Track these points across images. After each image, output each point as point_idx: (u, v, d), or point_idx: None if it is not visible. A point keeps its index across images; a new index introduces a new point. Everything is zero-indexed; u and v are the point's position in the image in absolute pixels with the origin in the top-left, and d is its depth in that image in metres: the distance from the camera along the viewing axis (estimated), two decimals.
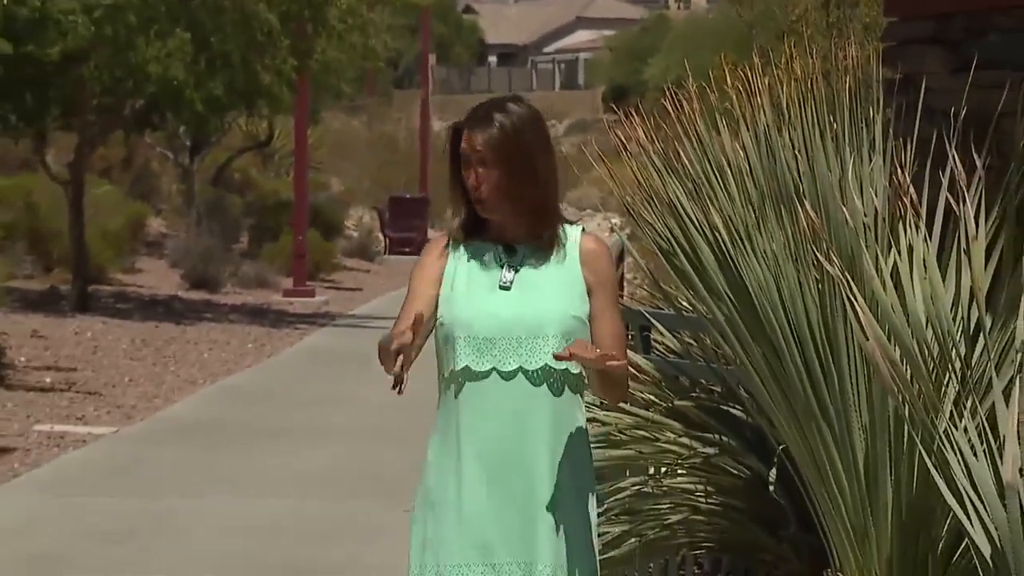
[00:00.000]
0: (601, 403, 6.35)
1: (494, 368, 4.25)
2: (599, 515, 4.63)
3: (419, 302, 4.32)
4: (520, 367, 4.24)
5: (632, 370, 6.37)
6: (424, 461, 4.42)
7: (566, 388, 4.30)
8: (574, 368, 4.26)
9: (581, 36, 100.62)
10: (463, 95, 73.10)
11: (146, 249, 28.48)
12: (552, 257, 4.33)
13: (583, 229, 4.42)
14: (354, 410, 13.69)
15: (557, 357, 4.09)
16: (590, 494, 4.40)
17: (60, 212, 22.46)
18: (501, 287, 4.30)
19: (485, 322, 4.26)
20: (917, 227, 5.26)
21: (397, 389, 4.08)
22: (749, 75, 5.93)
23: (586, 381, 4.34)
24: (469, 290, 4.32)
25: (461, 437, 4.30)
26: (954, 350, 4.97)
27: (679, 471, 6.30)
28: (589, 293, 4.33)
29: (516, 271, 4.32)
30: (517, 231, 4.33)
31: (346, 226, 37.24)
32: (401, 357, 4.06)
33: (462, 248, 4.38)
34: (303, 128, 28.11)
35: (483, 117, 4.31)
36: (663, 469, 6.31)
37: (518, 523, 4.27)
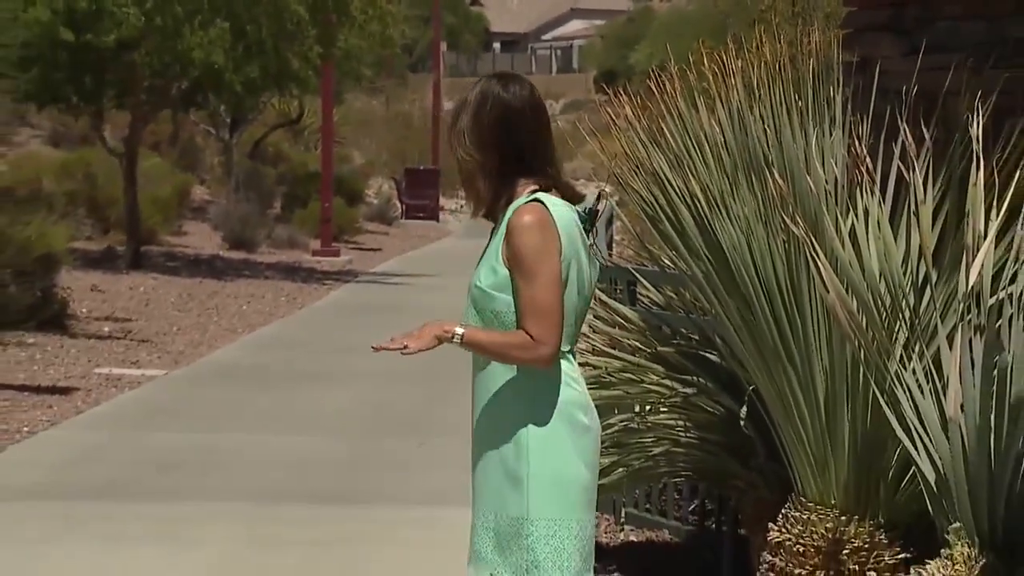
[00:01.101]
0: (592, 349, 6.37)
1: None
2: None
3: None
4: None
5: (620, 320, 6.41)
6: None
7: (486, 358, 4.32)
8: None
9: (575, 25, 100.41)
10: (470, 78, 72.89)
11: (191, 214, 28.44)
12: (498, 228, 4.28)
13: (528, 200, 4.25)
14: (373, 357, 13.66)
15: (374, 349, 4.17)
16: (519, 443, 4.27)
17: (115, 182, 22.44)
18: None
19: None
20: (872, 193, 5.26)
21: None
22: (724, 59, 5.92)
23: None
24: None
25: None
26: (904, 301, 4.98)
27: (661, 409, 6.31)
28: (508, 265, 4.24)
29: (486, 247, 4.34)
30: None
31: (367, 194, 37.18)
32: None
33: None
34: (329, 107, 28.06)
35: (465, 98, 4.35)
36: (647, 407, 6.32)
37: (475, 465, 4.36)
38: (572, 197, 4.30)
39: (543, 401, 4.29)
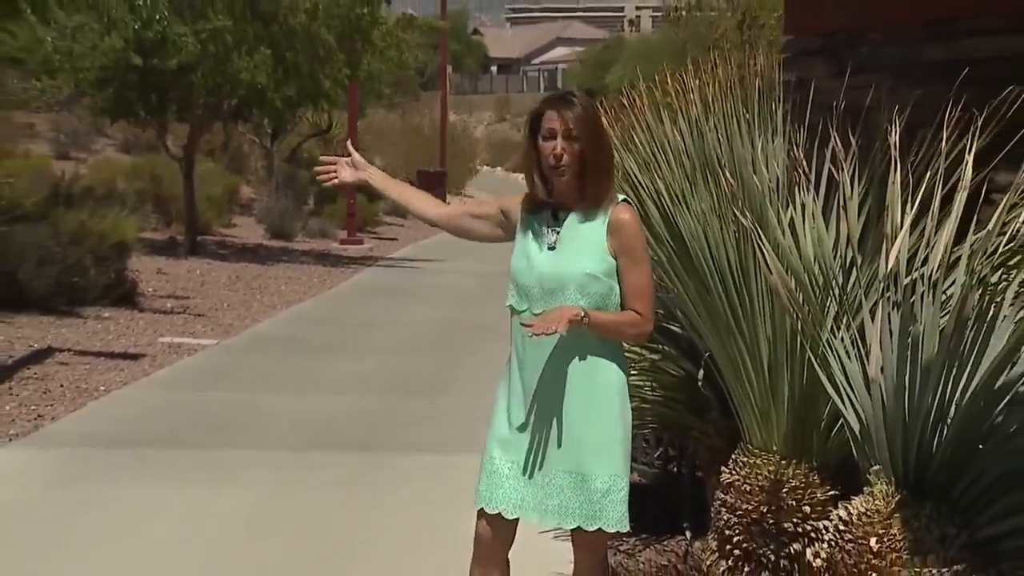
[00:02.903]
0: None
1: (528, 309, 4.23)
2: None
3: (482, 206, 4.55)
4: (545, 311, 4.17)
5: None
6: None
7: (583, 333, 4.21)
8: None
9: (559, 52, 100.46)
10: (472, 95, 72.79)
11: (239, 209, 28.41)
12: (592, 223, 4.25)
13: (622, 199, 4.36)
14: (392, 329, 13.71)
15: (528, 324, 4.07)
16: (614, 409, 4.31)
17: (176, 182, 22.42)
18: (549, 247, 4.26)
19: (525, 274, 4.25)
20: (808, 190, 5.27)
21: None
22: (684, 79, 5.92)
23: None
24: (523, 247, 4.30)
25: (514, 355, 4.34)
26: (834, 281, 4.99)
27: (632, 372, 6.31)
28: (615, 255, 4.24)
29: (558, 234, 4.26)
30: (575, 197, 4.26)
31: None
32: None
33: (526, 211, 4.35)
34: (354, 120, 28.06)
35: (566, 100, 4.25)
36: None
37: (541, 433, 4.25)
38: None
39: (624, 372, 4.37)
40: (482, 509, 4.34)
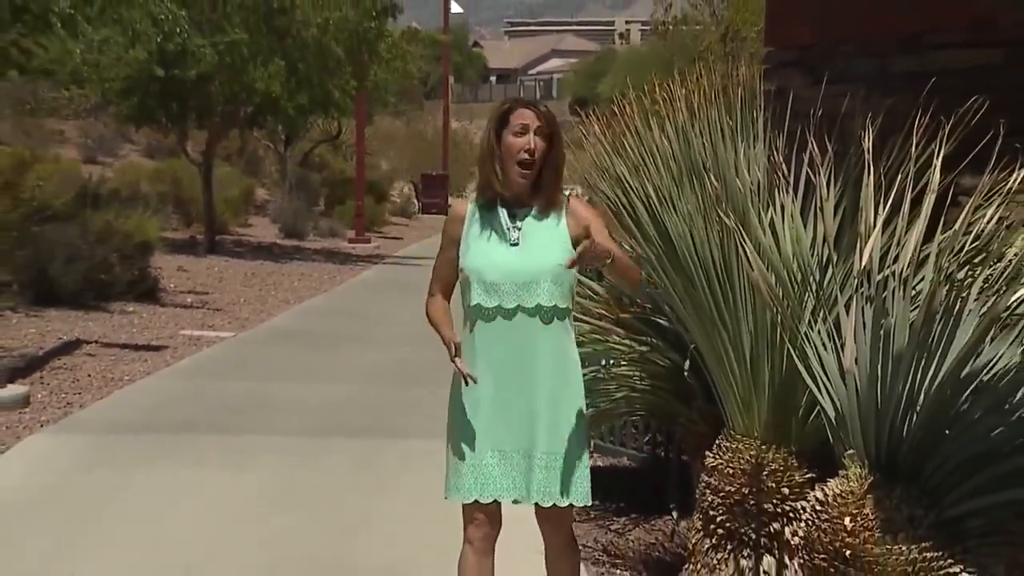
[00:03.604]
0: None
1: (499, 304, 4.16)
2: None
3: (442, 266, 4.34)
4: (519, 305, 4.14)
5: (589, 292, 6.41)
6: (453, 372, 4.30)
7: (554, 318, 4.20)
8: (562, 304, 4.19)
9: (554, 63, 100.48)
10: (472, 103, 72.78)
11: (254, 210, 28.45)
12: (548, 219, 4.21)
13: (568, 194, 4.34)
14: (397, 323, 13.74)
15: (569, 264, 4.03)
16: (579, 394, 4.31)
17: (196, 185, 22.47)
18: (511, 244, 4.19)
19: (493, 270, 4.16)
20: (787, 192, 5.26)
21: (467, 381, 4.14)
22: (671, 88, 5.91)
23: (572, 307, 4.30)
24: (483, 245, 4.20)
25: (477, 353, 4.22)
26: (812, 277, 4.98)
27: (622, 363, 6.31)
28: (578, 238, 4.20)
29: (519, 231, 4.20)
30: (533, 197, 4.22)
31: (391, 194, 37.12)
32: (457, 352, 4.13)
33: (478, 213, 4.25)
34: (361, 127, 28.09)
35: (535, 102, 4.24)
36: (611, 361, 6.32)
37: (519, 420, 4.19)
38: None
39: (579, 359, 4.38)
40: (475, 501, 4.28)
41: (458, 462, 4.27)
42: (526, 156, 4.13)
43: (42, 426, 8.36)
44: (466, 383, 4.13)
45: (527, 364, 4.18)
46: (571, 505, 4.27)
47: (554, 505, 4.23)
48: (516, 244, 4.18)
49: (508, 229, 4.20)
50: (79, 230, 13.78)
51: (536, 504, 4.24)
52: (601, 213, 4.44)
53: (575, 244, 4.20)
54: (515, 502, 4.26)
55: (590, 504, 4.42)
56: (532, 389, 4.18)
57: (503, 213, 4.22)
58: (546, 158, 4.17)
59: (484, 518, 4.32)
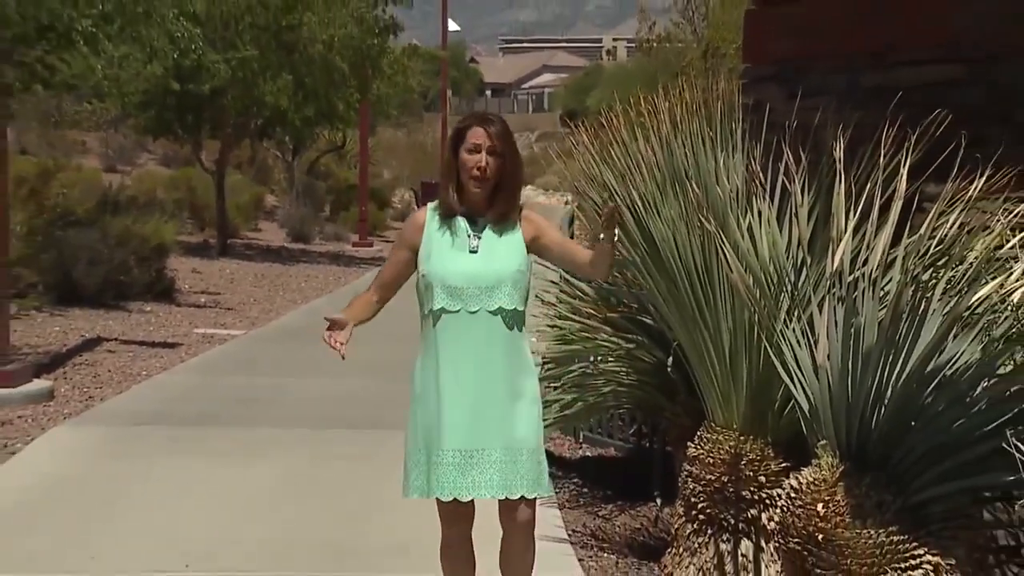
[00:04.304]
0: (558, 314, 6.37)
1: (462, 308, 4.13)
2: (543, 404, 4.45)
3: (388, 270, 4.41)
4: (482, 308, 4.12)
5: (579, 292, 6.41)
6: (412, 373, 4.34)
7: (514, 322, 4.18)
8: (520, 307, 4.17)
9: (546, 78, 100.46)
10: None
11: (264, 216, 28.42)
12: (505, 227, 4.19)
13: (523, 205, 4.32)
14: (397, 321, 13.70)
15: (605, 225, 4.13)
16: (535, 392, 4.25)
17: (209, 192, 22.45)
18: (471, 251, 4.16)
19: (456, 276, 4.13)
20: (764, 199, 5.27)
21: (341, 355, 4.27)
22: (655, 101, 5.92)
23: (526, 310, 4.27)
24: (445, 252, 4.17)
25: (439, 355, 4.19)
26: (787, 279, 4.99)
27: (609, 359, 6.32)
28: (536, 240, 4.22)
29: (479, 239, 4.18)
30: (489, 209, 4.19)
31: (392, 201, 37.11)
32: (337, 335, 4.36)
33: (437, 221, 4.22)
34: (365, 138, 28.09)
35: (488, 119, 4.21)
36: (599, 358, 6.33)
37: (480, 418, 4.13)
38: None
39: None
40: (454, 500, 4.19)
41: (417, 461, 4.21)
42: (477, 173, 4.13)
43: (65, 418, 8.35)
44: (343, 357, 4.27)
45: (487, 364, 4.14)
46: (535, 498, 4.22)
47: (522, 497, 4.17)
48: (475, 251, 4.17)
49: (469, 236, 4.18)
50: (100, 234, 13.78)
51: (502, 499, 4.18)
52: (542, 217, 4.45)
53: (529, 249, 4.21)
54: (479, 496, 4.18)
55: (552, 495, 4.37)
56: (492, 388, 4.14)
57: (464, 222, 4.20)
58: (500, 173, 4.16)
59: (454, 514, 4.26)
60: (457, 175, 4.21)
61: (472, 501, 4.25)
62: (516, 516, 4.25)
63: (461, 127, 4.21)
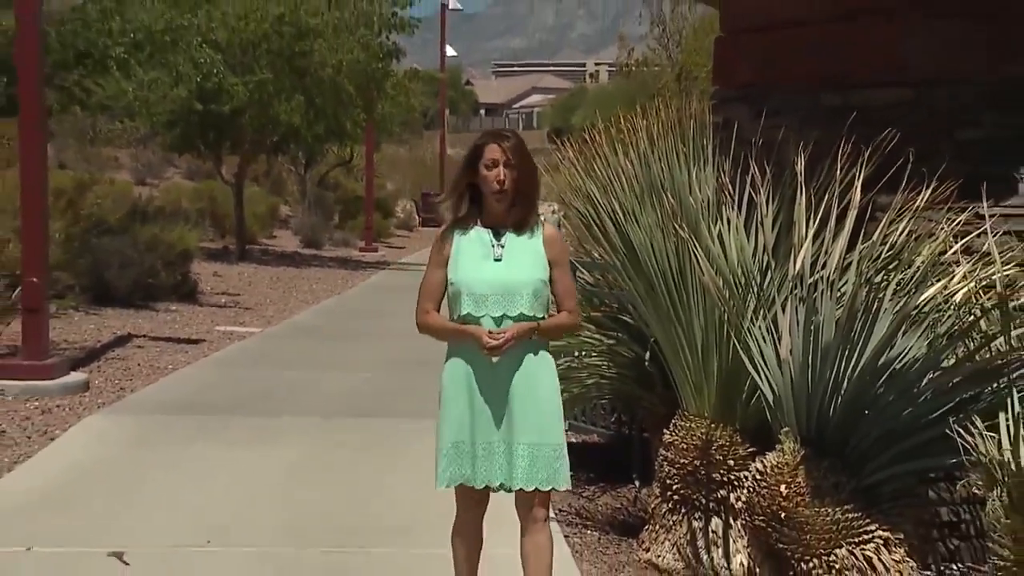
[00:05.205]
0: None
1: (487, 313, 4.06)
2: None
3: (434, 284, 4.19)
4: (504, 313, 4.05)
5: None
6: (440, 375, 4.21)
7: None
8: (540, 314, 4.09)
9: (535, 98, 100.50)
10: (465, 133, 72.75)
11: (279, 224, 28.34)
12: (526, 238, 4.11)
13: (542, 219, 4.24)
14: (401, 319, 13.68)
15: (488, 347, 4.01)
16: (555, 391, 4.16)
17: (229, 202, 22.39)
18: (495, 260, 4.09)
19: (481, 284, 4.06)
20: (733, 208, 5.28)
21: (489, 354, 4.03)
22: (634, 120, 5.93)
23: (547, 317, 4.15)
24: (470, 262, 4.10)
25: (467, 356, 4.11)
26: (753, 280, 5.00)
27: (592, 354, 6.32)
28: (550, 263, 4.12)
29: (502, 248, 4.10)
30: (509, 218, 4.11)
31: (395, 210, 37.05)
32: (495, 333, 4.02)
33: (459, 234, 4.14)
34: (370, 153, 28.06)
35: (503, 135, 4.13)
36: (583, 353, 6.33)
37: (505, 414, 4.08)
38: None
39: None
40: (468, 488, 4.14)
41: (447, 454, 4.13)
42: (497, 186, 4.05)
43: (99, 408, 8.34)
44: (478, 352, 4.04)
45: (512, 364, 4.08)
46: (552, 489, 4.13)
47: (536, 489, 4.10)
48: (499, 260, 4.09)
49: (493, 246, 4.11)
50: (130, 241, 13.77)
51: (519, 490, 4.11)
52: (565, 249, 4.35)
53: (550, 264, 4.12)
54: (500, 488, 4.13)
55: (570, 487, 4.32)
56: (516, 387, 4.08)
57: (487, 233, 4.13)
58: (517, 184, 4.08)
59: (471, 500, 4.20)
60: (477, 190, 4.13)
61: (487, 496, 4.21)
62: (530, 507, 4.17)
63: (478, 144, 4.13)
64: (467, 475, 4.12)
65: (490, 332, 4.02)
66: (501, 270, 4.08)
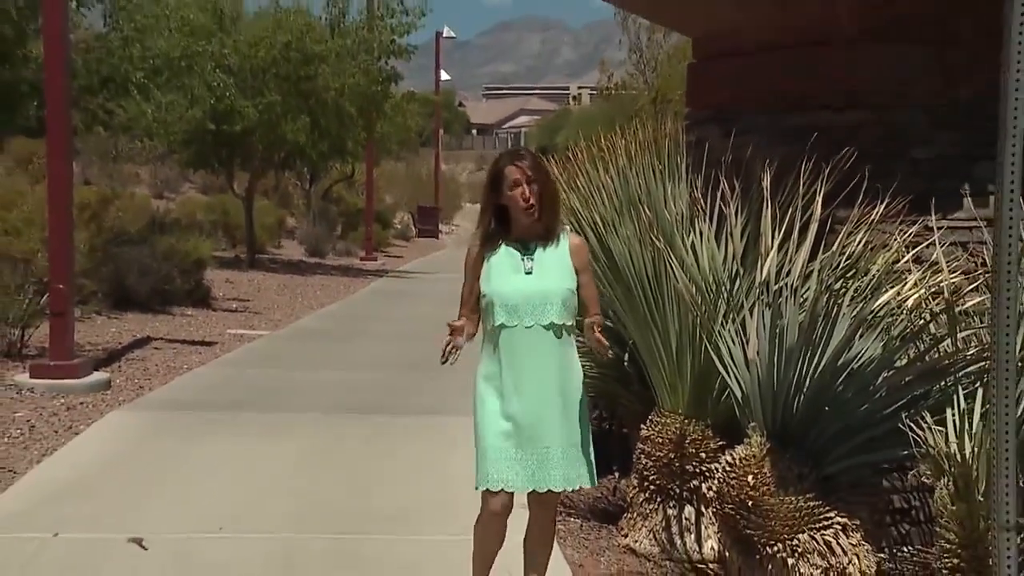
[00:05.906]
0: None
1: (519, 323, 4.01)
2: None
3: (471, 294, 4.12)
4: (536, 322, 4.00)
5: None
6: (476, 380, 4.12)
7: (564, 333, 4.04)
8: (568, 322, 4.05)
9: (522, 119, 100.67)
10: (458, 151, 72.71)
11: (285, 234, 28.25)
12: (553, 248, 4.07)
13: (567, 229, 4.22)
14: (400, 322, 13.70)
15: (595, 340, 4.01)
16: (582, 395, 4.14)
17: (240, 215, 22.31)
18: (526, 272, 4.04)
19: (513, 295, 4.01)
20: (705, 220, 5.30)
21: (443, 360, 3.98)
22: (613, 139, 5.95)
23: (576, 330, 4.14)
24: (502, 274, 4.05)
25: (502, 363, 4.03)
26: (724, 287, 5.02)
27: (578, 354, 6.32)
28: (576, 271, 4.08)
29: (532, 260, 4.05)
30: (536, 230, 4.05)
31: (394, 222, 37.01)
32: (451, 340, 3.98)
33: (489, 251, 4.08)
34: (371, 169, 27.99)
35: (521, 154, 4.10)
36: None
37: (539, 419, 4.02)
38: None
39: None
40: (501, 490, 4.04)
41: (487, 457, 4.03)
42: (524, 203, 4.00)
43: (120, 404, 8.32)
44: (446, 358, 4.00)
45: (544, 372, 4.02)
46: (579, 488, 4.11)
47: (549, 491, 4.05)
48: (530, 272, 4.04)
49: (523, 260, 4.06)
50: (149, 250, 13.74)
51: (533, 490, 4.05)
52: (588, 256, 4.30)
53: (576, 271, 4.08)
54: (534, 491, 4.06)
55: (596, 484, 4.28)
56: (548, 393, 4.03)
57: (516, 247, 4.08)
58: (542, 197, 4.02)
59: (500, 505, 4.07)
60: (504, 210, 4.07)
61: (512, 497, 4.10)
62: (546, 506, 4.15)
63: (498, 168, 4.07)
64: (509, 480, 4.01)
65: (450, 323, 4.03)
66: (532, 282, 4.03)
